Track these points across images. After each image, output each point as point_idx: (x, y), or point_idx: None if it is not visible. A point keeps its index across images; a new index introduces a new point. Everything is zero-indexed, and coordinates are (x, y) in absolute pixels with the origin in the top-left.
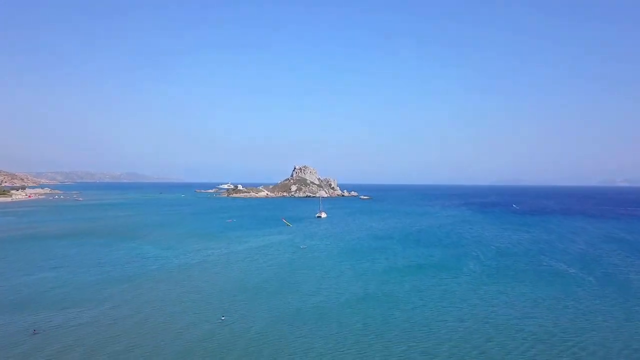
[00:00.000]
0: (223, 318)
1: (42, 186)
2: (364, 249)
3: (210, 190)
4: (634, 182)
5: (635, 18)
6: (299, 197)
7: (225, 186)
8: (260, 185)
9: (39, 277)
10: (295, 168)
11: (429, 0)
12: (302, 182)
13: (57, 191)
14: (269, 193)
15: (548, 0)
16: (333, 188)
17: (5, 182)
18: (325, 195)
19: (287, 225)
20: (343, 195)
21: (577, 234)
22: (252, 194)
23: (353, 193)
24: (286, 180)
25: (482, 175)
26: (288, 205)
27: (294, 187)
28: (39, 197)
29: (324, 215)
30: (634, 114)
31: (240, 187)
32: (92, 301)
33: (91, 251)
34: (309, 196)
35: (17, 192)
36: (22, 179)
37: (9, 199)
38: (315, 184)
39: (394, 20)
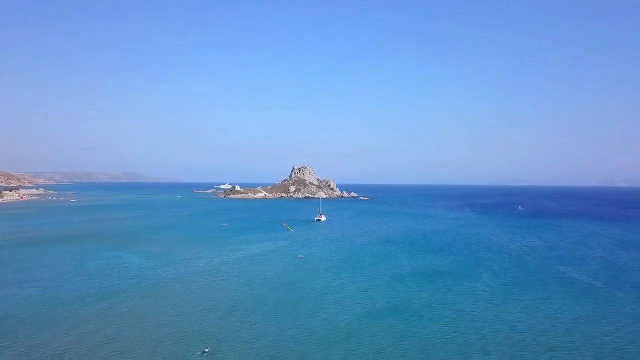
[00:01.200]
0: (207, 350)
1: (37, 187)
2: (367, 258)
3: (208, 191)
4: (634, 183)
5: (635, 18)
6: (297, 198)
7: (224, 187)
8: (259, 185)
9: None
10: (294, 169)
11: (429, 0)
12: (301, 183)
13: (51, 192)
14: (267, 194)
15: (548, 0)
16: (332, 189)
17: (2, 182)
18: (325, 197)
19: (288, 230)
20: (343, 197)
21: (590, 238)
22: (250, 195)
23: (353, 194)
24: (285, 181)
25: (482, 175)
26: (287, 207)
27: (292, 188)
28: (32, 198)
29: (323, 218)
30: (634, 114)
31: (238, 188)
32: (49, 326)
33: (70, 261)
34: (308, 197)
35: (10, 193)
36: (18, 180)
37: (0, 200)
38: (314, 185)
39: (394, 20)
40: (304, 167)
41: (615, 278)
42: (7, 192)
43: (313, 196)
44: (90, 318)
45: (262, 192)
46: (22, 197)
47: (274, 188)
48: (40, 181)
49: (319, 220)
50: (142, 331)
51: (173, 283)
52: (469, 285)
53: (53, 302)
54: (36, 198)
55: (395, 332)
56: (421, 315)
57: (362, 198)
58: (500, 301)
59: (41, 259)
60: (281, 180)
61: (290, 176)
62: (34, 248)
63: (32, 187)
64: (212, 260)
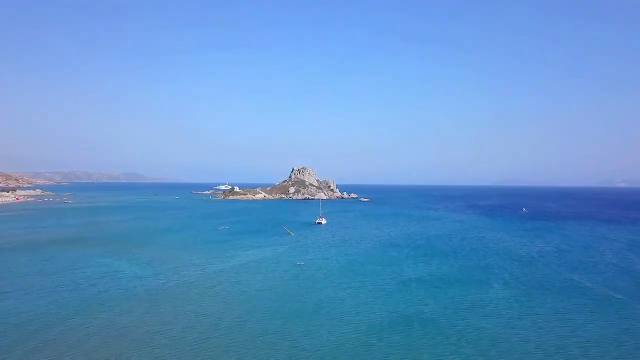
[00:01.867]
0: None
1: (34, 187)
2: (368, 265)
3: (206, 192)
4: (633, 183)
5: (636, 18)
6: (297, 199)
7: (223, 187)
8: (258, 186)
9: None
10: (293, 169)
11: (429, 0)
12: (301, 184)
13: (49, 193)
14: (266, 195)
15: (548, 0)
16: (332, 190)
17: (0, 183)
18: (325, 198)
19: (289, 233)
20: (343, 198)
21: (600, 242)
22: (249, 196)
23: (353, 195)
24: (284, 181)
25: (482, 175)
26: (286, 208)
27: (292, 189)
28: (28, 199)
29: (324, 221)
30: (634, 114)
31: (237, 188)
32: (16, 343)
33: (57, 268)
34: (308, 198)
35: (6, 194)
36: (16, 180)
37: None
38: (314, 185)
39: (394, 20)
40: (304, 168)
41: (634, 288)
42: (2, 193)
43: (313, 197)
44: (62, 334)
45: (261, 193)
46: (17, 198)
47: (273, 189)
48: (39, 181)
49: (319, 223)
50: (117, 350)
51: (162, 294)
52: (479, 296)
53: (25, 316)
54: (32, 199)
55: (398, 351)
56: (426, 332)
57: (362, 199)
58: (512, 315)
59: (27, 266)
60: (280, 181)
61: (290, 177)
62: (21, 254)
63: (29, 188)
64: (206, 268)
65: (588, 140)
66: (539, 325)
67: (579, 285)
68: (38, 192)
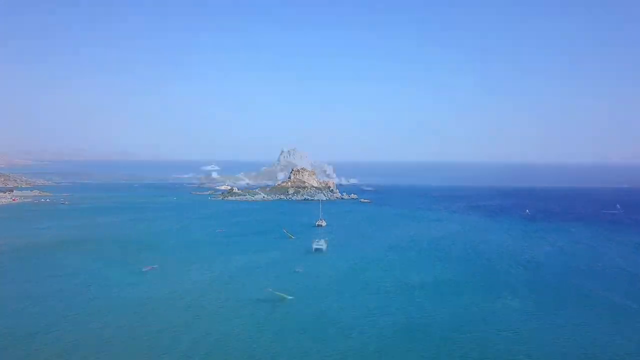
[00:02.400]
0: None
1: (31, 188)
2: (370, 271)
3: (205, 193)
4: (628, 159)
5: (636, 18)
6: (296, 200)
7: (222, 187)
8: (257, 187)
9: None
10: (292, 170)
11: (429, 0)
12: (300, 185)
13: (46, 193)
14: (265, 196)
15: (548, 0)
16: (332, 191)
17: None
18: (324, 199)
19: (289, 237)
20: (342, 198)
21: (605, 245)
22: (249, 197)
23: (353, 195)
24: (283, 182)
25: (482, 175)
26: (286, 210)
27: (291, 190)
28: (25, 200)
29: (323, 223)
30: (634, 114)
31: (235, 189)
32: None
33: (46, 275)
34: (307, 199)
35: (2, 195)
36: (15, 180)
37: None
38: (313, 186)
39: (394, 20)
40: (303, 169)
41: None
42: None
43: (312, 198)
44: (44, 346)
45: (260, 194)
46: (14, 200)
47: (272, 189)
48: (38, 182)
49: (319, 225)
50: None
51: (151, 304)
52: (486, 306)
53: (7, 328)
54: (29, 200)
55: None
56: (429, 348)
57: (362, 200)
58: (523, 328)
59: (13, 273)
60: (279, 182)
61: (289, 177)
62: (9, 260)
63: (28, 188)
64: (200, 275)
65: (588, 140)
66: (551, 341)
67: (590, 293)
68: (36, 192)
